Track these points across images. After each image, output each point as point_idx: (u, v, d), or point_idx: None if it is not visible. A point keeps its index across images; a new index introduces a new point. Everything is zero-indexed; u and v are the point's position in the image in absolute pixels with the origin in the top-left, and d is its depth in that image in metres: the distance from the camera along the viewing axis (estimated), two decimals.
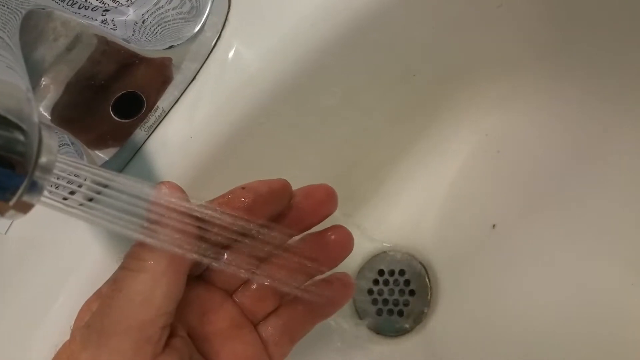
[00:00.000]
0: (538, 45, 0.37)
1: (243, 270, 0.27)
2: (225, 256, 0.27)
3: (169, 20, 0.31)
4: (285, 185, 0.28)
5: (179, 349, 0.24)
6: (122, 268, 0.24)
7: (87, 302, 0.26)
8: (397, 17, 0.33)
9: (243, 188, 0.26)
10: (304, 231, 0.29)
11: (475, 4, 0.34)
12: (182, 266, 0.24)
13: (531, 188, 0.40)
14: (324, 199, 0.29)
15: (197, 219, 0.24)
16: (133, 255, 0.24)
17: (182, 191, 0.24)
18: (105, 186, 0.25)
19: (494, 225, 0.41)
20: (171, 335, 0.24)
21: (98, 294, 0.26)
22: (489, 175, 0.42)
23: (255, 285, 0.28)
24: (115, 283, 0.23)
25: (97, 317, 0.23)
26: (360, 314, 0.43)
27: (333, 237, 0.29)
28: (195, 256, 0.24)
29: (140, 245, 0.23)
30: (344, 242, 0.29)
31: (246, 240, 0.27)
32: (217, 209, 0.25)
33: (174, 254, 0.23)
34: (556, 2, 0.34)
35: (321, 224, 0.30)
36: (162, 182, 0.24)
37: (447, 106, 0.41)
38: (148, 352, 0.22)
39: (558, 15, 0.35)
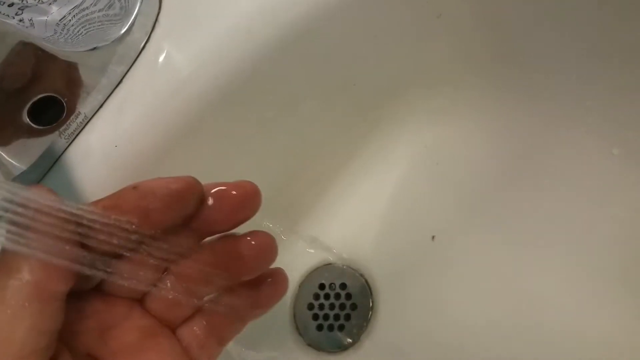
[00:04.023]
0: (475, 59, 0.37)
1: (140, 283, 0.23)
2: (118, 266, 0.23)
3: (94, 22, 0.29)
4: (190, 185, 0.23)
5: None
6: None
7: None
8: (336, 25, 0.32)
9: (134, 188, 0.22)
10: (217, 237, 0.25)
11: (415, 13, 0.34)
12: (52, 290, 0.20)
13: (470, 199, 0.41)
14: (243, 200, 0.24)
15: (74, 223, 0.21)
16: None
17: (55, 194, 0.20)
18: (15, 202, 0.22)
19: (433, 237, 0.41)
20: None
21: None
22: (428, 186, 0.42)
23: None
24: None
25: None
26: (300, 330, 0.42)
27: (252, 242, 0.25)
28: (74, 268, 0.20)
29: None
30: (262, 249, 0.25)
31: (142, 247, 0.23)
32: (99, 211, 0.21)
33: (41, 276, 0.19)
34: (491, 15, 0.34)
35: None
36: (34, 185, 0.20)
37: (387, 117, 0.41)
38: None
39: (495, 26, 0.35)
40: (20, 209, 0.19)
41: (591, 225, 0.37)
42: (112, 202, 0.22)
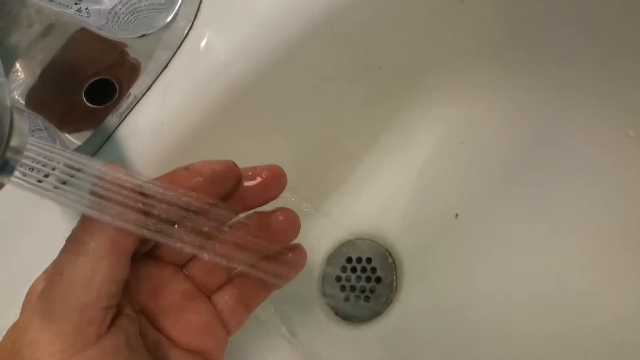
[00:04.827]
0: (497, 39, 0.38)
1: (189, 247, 0.27)
2: (171, 233, 0.27)
3: (142, 10, 0.32)
4: (229, 168, 0.27)
5: (125, 327, 0.24)
6: (63, 251, 0.23)
7: (35, 281, 0.25)
8: (363, 10, 0.34)
9: (186, 168, 0.26)
10: (250, 213, 0.29)
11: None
12: (124, 247, 0.24)
13: (492, 178, 0.42)
14: (271, 180, 0.28)
15: (141, 194, 0.24)
16: (74, 238, 0.24)
17: (125, 169, 0.24)
18: (78, 170, 0.25)
19: (457, 215, 0.43)
20: (117, 314, 0.24)
21: (46, 273, 0.25)
22: (452, 165, 0.43)
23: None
24: (56, 266, 0.23)
25: (40, 300, 0.23)
26: (328, 301, 0.44)
27: (280, 217, 0.29)
28: (139, 232, 0.24)
29: (81, 227, 0.23)
30: (289, 223, 0.29)
31: (191, 218, 0.27)
32: (159, 185, 0.25)
33: (115, 235, 0.23)
34: (512, 1, 0.36)
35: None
36: (107, 162, 0.24)
37: (412, 98, 0.42)
38: (91, 334, 0.22)
39: (515, 10, 0.36)
40: (98, 181, 0.23)
41: (608, 205, 0.37)
42: (169, 179, 0.26)
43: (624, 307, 0.38)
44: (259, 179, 0.28)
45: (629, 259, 0.38)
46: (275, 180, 0.28)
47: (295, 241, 0.30)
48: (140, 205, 0.24)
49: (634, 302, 0.37)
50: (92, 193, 0.23)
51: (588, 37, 0.35)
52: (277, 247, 0.29)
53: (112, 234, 0.23)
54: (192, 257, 0.29)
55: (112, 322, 0.24)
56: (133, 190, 0.24)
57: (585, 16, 0.34)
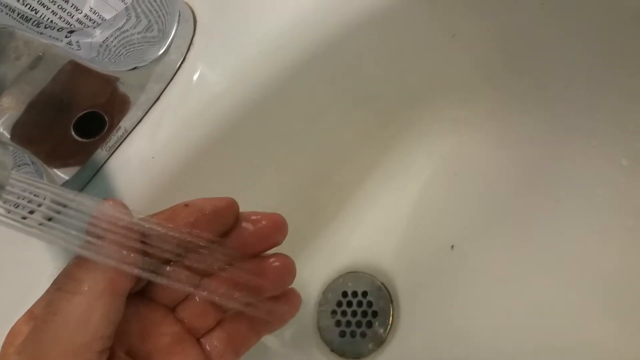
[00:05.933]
0: (490, 73, 0.38)
1: (184, 287, 0.26)
2: (166, 271, 0.26)
3: (134, 43, 0.32)
4: (230, 204, 0.27)
5: None
6: (58, 289, 0.23)
7: (17, 323, 0.24)
8: (358, 43, 0.34)
9: (186, 205, 0.26)
10: (246, 256, 0.28)
11: (432, 33, 0.36)
12: (120, 287, 0.23)
13: (487, 209, 0.42)
14: (272, 228, 0.28)
15: (139, 233, 0.24)
16: (69, 276, 0.23)
17: (126, 207, 0.24)
18: (65, 206, 0.25)
19: (452, 246, 0.42)
20: (110, 357, 0.23)
21: (29, 314, 0.24)
22: (447, 197, 0.43)
23: (197, 301, 0.28)
24: (49, 305, 0.22)
25: (30, 341, 0.22)
26: (323, 336, 0.43)
27: (276, 264, 0.28)
28: (136, 271, 0.23)
29: (77, 265, 0.23)
30: (285, 269, 0.29)
31: (188, 256, 0.26)
32: (158, 223, 0.24)
33: (112, 275, 0.23)
34: (503, 32, 0.36)
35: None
36: (107, 199, 0.24)
37: (407, 130, 0.42)
38: None
39: (507, 45, 0.36)
40: (95, 220, 0.22)
41: (604, 234, 0.37)
42: (168, 216, 0.25)
43: (623, 344, 0.37)
44: (259, 225, 0.27)
45: (628, 291, 0.38)
46: (277, 229, 0.28)
47: None
48: (139, 245, 0.24)
49: (632, 333, 0.37)
50: (89, 233, 0.22)
51: (582, 68, 0.35)
52: (272, 293, 0.29)
53: (110, 273, 0.23)
54: (183, 299, 0.28)
55: None
56: (132, 230, 0.24)
57: (578, 46, 0.34)
